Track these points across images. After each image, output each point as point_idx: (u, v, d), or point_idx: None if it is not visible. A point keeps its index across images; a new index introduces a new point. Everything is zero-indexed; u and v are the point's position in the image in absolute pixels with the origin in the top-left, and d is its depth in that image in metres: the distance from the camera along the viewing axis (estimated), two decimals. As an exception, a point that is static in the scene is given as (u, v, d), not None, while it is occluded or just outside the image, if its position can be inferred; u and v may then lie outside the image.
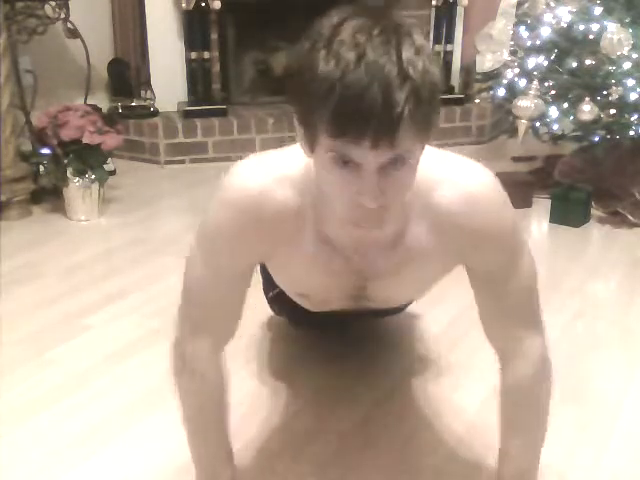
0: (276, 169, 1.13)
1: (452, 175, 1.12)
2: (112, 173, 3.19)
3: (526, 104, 2.83)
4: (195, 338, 1.24)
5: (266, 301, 1.81)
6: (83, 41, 3.37)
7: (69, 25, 3.26)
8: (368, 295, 1.30)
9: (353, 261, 1.19)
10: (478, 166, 1.16)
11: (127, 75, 3.78)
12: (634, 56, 2.71)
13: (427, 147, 1.01)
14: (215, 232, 1.17)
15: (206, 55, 3.64)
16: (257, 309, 1.87)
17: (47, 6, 3.10)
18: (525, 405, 1.27)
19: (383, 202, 0.96)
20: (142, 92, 3.75)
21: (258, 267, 1.40)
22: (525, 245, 1.22)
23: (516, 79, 3.01)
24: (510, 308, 1.23)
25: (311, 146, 0.98)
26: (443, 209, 1.11)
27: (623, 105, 2.75)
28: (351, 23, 0.92)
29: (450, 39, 3.93)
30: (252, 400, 1.71)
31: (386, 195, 0.96)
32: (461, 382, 1.79)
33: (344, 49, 0.89)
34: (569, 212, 2.85)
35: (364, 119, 0.88)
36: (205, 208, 1.20)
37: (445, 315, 2.09)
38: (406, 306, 1.81)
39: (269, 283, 1.57)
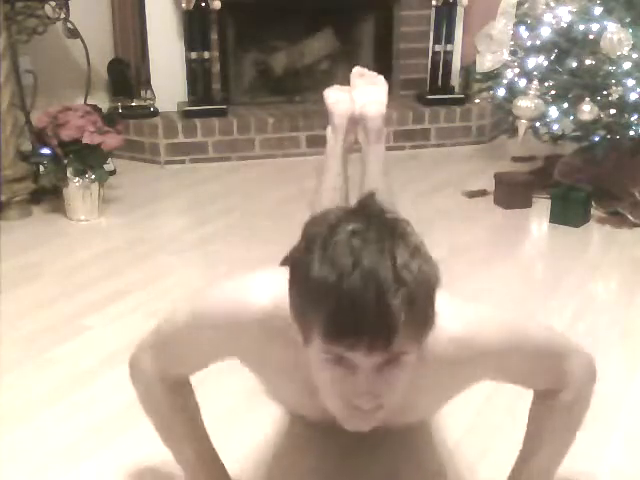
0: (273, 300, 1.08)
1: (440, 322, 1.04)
2: (112, 173, 3.18)
3: (526, 104, 2.83)
4: (148, 359, 1.27)
5: None
6: (83, 41, 3.37)
7: (69, 25, 3.26)
8: None
9: None
10: (459, 305, 1.13)
11: (127, 75, 3.78)
12: (634, 56, 2.71)
13: None
14: (203, 322, 1.16)
15: (206, 55, 3.63)
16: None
17: (47, 6, 3.10)
18: (555, 423, 1.27)
19: (377, 402, 0.97)
20: (142, 92, 3.75)
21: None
22: (537, 337, 1.19)
23: (516, 79, 3.01)
24: (540, 384, 1.24)
25: (305, 341, 0.97)
26: (443, 360, 1.09)
27: (623, 105, 2.75)
28: (347, 226, 0.92)
29: (450, 39, 3.92)
30: (252, 396, 1.71)
31: (380, 394, 0.96)
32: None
33: (339, 254, 0.89)
34: (569, 212, 2.85)
35: (359, 327, 0.88)
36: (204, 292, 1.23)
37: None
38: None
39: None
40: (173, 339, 1.22)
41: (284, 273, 0.99)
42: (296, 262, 0.95)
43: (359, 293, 0.87)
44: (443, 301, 1.01)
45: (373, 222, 0.93)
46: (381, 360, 0.92)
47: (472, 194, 3.16)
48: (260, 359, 1.16)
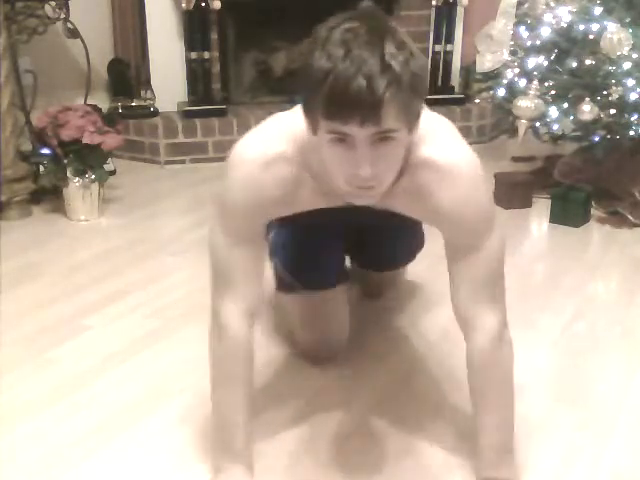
0: (273, 147, 1.32)
1: (436, 153, 1.26)
2: (112, 173, 3.18)
3: (526, 104, 2.83)
4: (225, 301, 1.39)
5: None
6: (83, 41, 3.37)
7: (69, 25, 3.26)
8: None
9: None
10: (461, 145, 1.31)
11: (127, 75, 3.78)
12: (634, 56, 2.71)
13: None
14: (229, 206, 1.35)
15: (206, 55, 3.63)
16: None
17: (47, 6, 3.10)
18: (488, 375, 1.39)
19: (374, 172, 1.12)
20: (142, 92, 3.75)
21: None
22: (495, 229, 1.38)
23: (516, 79, 3.01)
24: (473, 281, 1.36)
25: (314, 129, 1.15)
26: (424, 188, 1.27)
27: (623, 105, 2.75)
28: (342, 26, 1.09)
29: (450, 39, 3.93)
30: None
31: (376, 167, 1.12)
32: (462, 380, 1.78)
33: (334, 47, 1.06)
34: (569, 212, 2.85)
35: (351, 103, 1.05)
36: (217, 191, 1.41)
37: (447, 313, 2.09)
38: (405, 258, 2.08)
39: None
40: (224, 249, 1.40)
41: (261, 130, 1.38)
42: (300, 61, 1.13)
43: (350, 75, 1.04)
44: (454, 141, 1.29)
45: (365, 21, 1.09)
46: (374, 132, 1.08)
47: (472, 194, 3.15)
48: (275, 209, 1.35)
